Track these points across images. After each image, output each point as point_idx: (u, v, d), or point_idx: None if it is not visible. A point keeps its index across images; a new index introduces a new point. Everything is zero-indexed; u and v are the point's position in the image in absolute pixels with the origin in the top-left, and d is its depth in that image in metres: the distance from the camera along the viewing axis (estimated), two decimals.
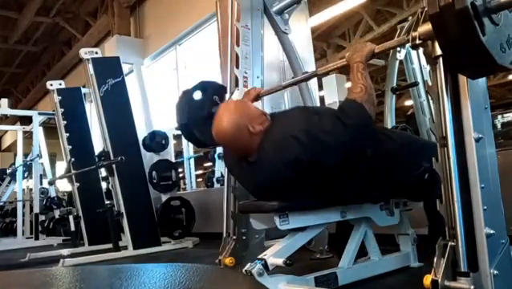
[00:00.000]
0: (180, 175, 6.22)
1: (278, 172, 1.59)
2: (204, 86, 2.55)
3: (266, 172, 1.62)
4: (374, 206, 1.94)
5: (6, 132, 14.26)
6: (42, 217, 6.54)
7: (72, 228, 4.97)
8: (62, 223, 6.32)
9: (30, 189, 7.35)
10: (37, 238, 6.22)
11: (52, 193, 6.74)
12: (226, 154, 1.96)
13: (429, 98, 2.89)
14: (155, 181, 4.35)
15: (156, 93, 6.96)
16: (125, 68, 4.98)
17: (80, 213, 4.76)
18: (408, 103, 7.21)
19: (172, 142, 6.08)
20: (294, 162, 1.55)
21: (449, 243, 1.25)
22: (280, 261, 1.62)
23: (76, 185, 4.81)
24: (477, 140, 1.26)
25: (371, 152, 1.69)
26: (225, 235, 2.21)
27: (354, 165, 1.65)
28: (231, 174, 2.03)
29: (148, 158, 4.74)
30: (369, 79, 1.60)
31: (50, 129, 7.10)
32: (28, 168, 6.81)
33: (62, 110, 4.97)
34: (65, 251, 3.95)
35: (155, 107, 6.50)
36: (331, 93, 7.26)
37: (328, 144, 1.53)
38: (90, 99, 6.15)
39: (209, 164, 10.19)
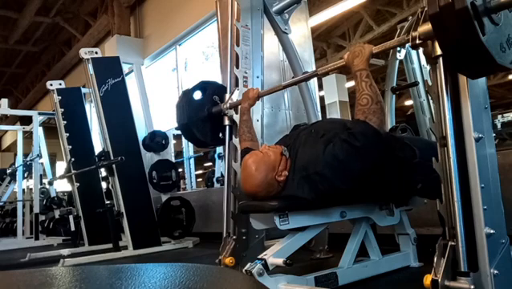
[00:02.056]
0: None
1: (305, 200, 1.66)
2: (204, 86, 2.55)
3: (293, 200, 1.70)
4: (374, 206, 1.94)
5: (6, 132, 14.28)
6: (42, 217, 6.54)
7: (72, 228, 4.97)
8: (62, 223, 6.32)
9: (30, 189, 7.35)
10: (37, 238, 6.22)
11: (52, 193, 6.75)
12: None
13: (429, 98, 2.89)
14: (155, 181, 4.35)
15: (156, 93, 6.96)
16: (125, 68, 4.98)
17: (80, 213, 4.76)
18: (408, 103, 7.22)
19: (172, 142, 6.09)
20: (321, 196, 1.63)
21: (449, 243, 1.25)
22: (280, 261, 1.62)
23: (76, 185, 4.81)
24: (477, 140, 1.26)
25: (387, 159, 1.72)
26: (225, 235, 2.21)
27: (373, 177, 1.68)
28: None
29: (148, 158, 4.74)
30: (374, 86, 1.61)
31: (50, 129, 7.10)
32: (28, 168, 6.81)
33: (62, 110, 4.97)
34: (65, 251, 3.95)
35: (155, 107, 6.51)
36: (331, 93, 7.30)
37: (349, 173, 1.59)
38: (90, 99, 6.15)
39: (209, 164, 10.22)
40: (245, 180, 1.76)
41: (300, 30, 3.32)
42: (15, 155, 7.98)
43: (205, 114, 2.46)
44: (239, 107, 2.25)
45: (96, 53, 4.29)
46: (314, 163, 1.63)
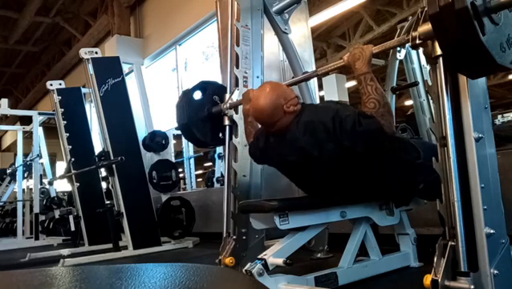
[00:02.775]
0: (181, 175, 6.22)
1: (303, 150, 1.71)
2: (204, 86, 2.55)
3: (294, 149, 1.75)
4: (374, 206, 1.94)
5: (6, 132, 14.27)
6: (42, 217, 6.54)
7: (72, 228, 4.97)
8: (62, 223, 6.32)
9: (30, 189, 7.34)
10: (37, 238, 6.22)
11: (52, 193, 6.75)
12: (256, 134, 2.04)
13: (429, 98, 2.89)
14: (155, 181, 4.35)
15: (156, 93, 6.96)
16: (125, 68, 4.98)
17: (80, 213, 4.76)
18: (408, 103, 7.21)
19: (172, 142, 6.09)
20: (318, 144, 1.67)
21: (449, 243, 1.25)
22: (280, 261, 1.62)
23: (76, 185, 4.81)
24: (477, 140, 1.26)
25: (384, 157, 1.74)
26: (225, 235, 2.21)
27: (366, 165, 1.73)
28: (254, 151, 2.05)
29: (148, 158, 4.74)
30: (379, 88, 1.63)
31: (50, 129, 7.10)
32: (28, 168, 6.81)
33: (62, 110, 4.97)
34: (65, 251, 3.95)
35: (155, 107, 6.50)
36: (331, 93, 7.29)
37: (343, 142, 1.63)
38: (90, 99, 6.15)
39: (209, 164, 10.21)
40: (257, 97, 1.81)
41: (300, 30, 3.32)
42: (15, 155, 7.98)
43: (205, 114, 2.46)
44: (240, 107, 2.25)
45: (96, 53, 4.29)
46: (320, 116, 1.69)
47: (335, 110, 1.68)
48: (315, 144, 1.67)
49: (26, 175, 7.09)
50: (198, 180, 10.10)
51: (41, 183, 6.61)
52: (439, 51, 1.29)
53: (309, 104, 1.91)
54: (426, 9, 1.28)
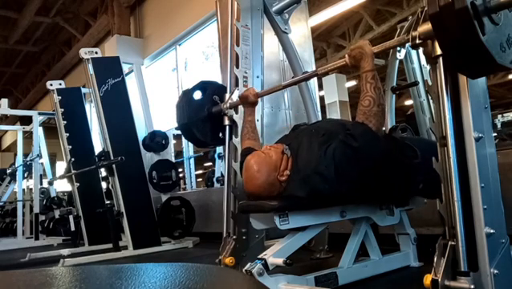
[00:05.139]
0: (180, 175, 6.22)
1: (304, 201, 1.68)
2: (204, 86, 2.55)
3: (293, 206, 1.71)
4: (374, 206, 1.94)
5: (6, 132, 14.28)
6: (42, 217, 6.54)
7: (72, 228, 4.97)
8: (62, 223, 6.32)
9: (30, 189, 7.35)
10: (37, 238, 6.22)
11: (52, 193, 6.75)
12: None
13: (429, 97, 2.89)
14: (155, 181, 4.35)
15: (156, 93, 6.97)
16: (125, 68, 4.98)
17: (80, 213, 4.77)
18: (408, 102, 7.22)
19: (172, 142, 6.09)
20: (321, 196, 1.64)
21: (449, 243, 1.25)
22: (280, 261, 1.62)
23: (76, 185, 4.81)
24: (477, 140, 1.26)
25: (384, 160, 1.70)
26: (225, 235, 2.21)
27: (371, 179, 1.68)
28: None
29: (148, 158, 4.74)
30: (378, 88, 1.61)
31: (50, 129, 7.10)
32: (28, 168, 6.81)
33: (62, 110, 4.97)
34: (65, 251, 3.95)
35: (155, 107, 6.51)
36: (331, 93, 7.30)
37: (348, 174, 1.60)
38: (90, 99, 6.15)
39: (209, 164, 10.22)
40: (248, 181, 1.76)
41: (300, 30, 3.32)
42: (15, 155, 7.98)
43: (205, 114, 2.46)
44: (240, 107, 2.26)
45: (96, 53, 4.29)
46: (315, 163, 1.64)
47: (325, 151, 1.63)
48: (316, 194, 1.64)
49: (26, 175, 7.09)
50: (198, 180, 10.11)
51: (41, 183, 6.60)
52: (439, 51, 1.29)
53: (296, 146, 1.78)
54: (426, 9, 1.28)
